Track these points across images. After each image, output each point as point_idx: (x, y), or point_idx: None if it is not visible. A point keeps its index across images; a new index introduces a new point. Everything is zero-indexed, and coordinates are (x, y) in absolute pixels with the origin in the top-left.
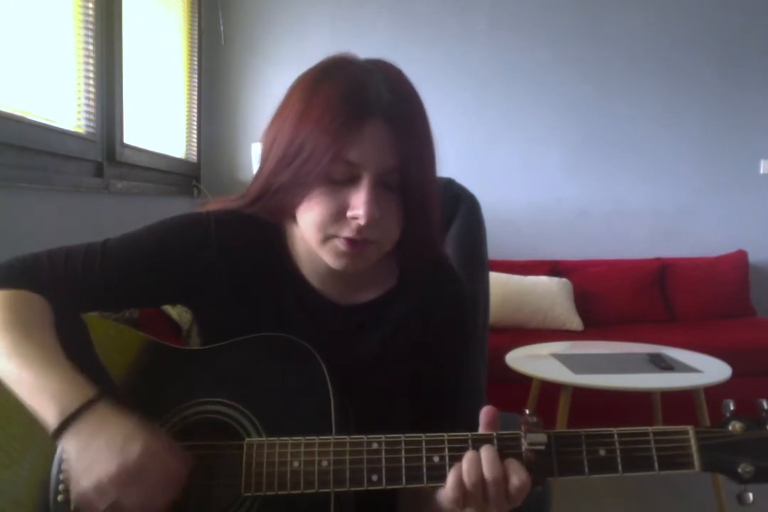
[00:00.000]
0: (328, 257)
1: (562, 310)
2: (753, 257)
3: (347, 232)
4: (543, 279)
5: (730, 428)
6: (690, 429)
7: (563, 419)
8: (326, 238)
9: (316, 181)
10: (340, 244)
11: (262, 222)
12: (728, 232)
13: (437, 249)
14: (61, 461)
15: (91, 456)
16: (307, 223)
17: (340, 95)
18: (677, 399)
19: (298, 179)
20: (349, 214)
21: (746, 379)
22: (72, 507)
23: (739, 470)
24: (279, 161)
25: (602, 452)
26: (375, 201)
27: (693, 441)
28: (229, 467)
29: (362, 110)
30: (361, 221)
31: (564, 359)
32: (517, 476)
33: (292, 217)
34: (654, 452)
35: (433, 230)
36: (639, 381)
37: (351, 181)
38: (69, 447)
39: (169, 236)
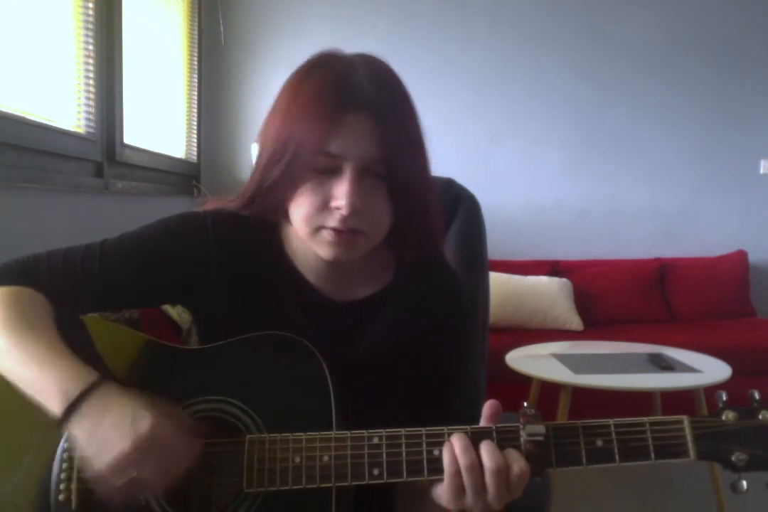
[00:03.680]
0: (319, 248)
1: (562, 310)
2: (753, 257)
3: (332, 223)
4: (543, 279)
5: (723, 417)
6: (685, 418)
7: (563, 419)
8: (314, 230)
9: (303, 175)
10: (327, 235)
11: (258, 221)
12: (728, 232)
13: (435, 244)
14: (62, 461)
15: (101, 437)
16: (297, 216)
17: (322, 89)
18: (677, 399)
19: (287, 175)
20: (332, 204)
21: (746, 379)
22: (75, 499)
23: (733, 458)
24: (270, 159)
25: (599, 442)
26: (357, 192)
27: (688, 431)
28: (231, 464)
29: (343, 102)
30: (344, 211)
31: (564, 359)
32: (517, 465)
33: (287, 215)
34: (650, 442)
35: (429, 223)
36: (639, 381)
37: (334, 172)
38: (77, 432)
39: (166, 236)
